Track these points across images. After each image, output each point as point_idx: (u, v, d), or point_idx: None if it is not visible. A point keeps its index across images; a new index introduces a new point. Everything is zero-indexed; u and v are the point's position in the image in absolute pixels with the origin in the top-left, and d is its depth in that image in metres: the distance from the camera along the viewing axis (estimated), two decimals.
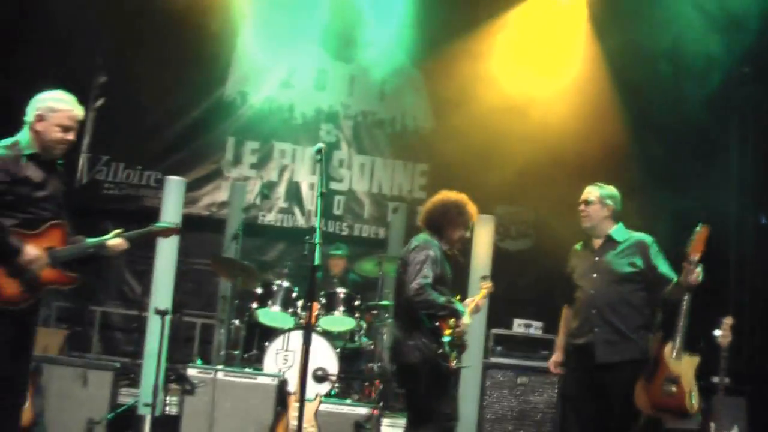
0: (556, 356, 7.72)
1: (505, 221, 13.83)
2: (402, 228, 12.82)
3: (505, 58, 12.98)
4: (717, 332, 8.81)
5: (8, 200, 5.85)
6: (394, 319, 7.52)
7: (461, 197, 7.41)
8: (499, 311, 10.63)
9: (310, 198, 13.61)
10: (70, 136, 6.18)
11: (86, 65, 13.18)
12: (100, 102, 13.26)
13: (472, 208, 7.40)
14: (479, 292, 7.76)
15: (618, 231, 7.35)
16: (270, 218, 13.62)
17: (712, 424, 9.00)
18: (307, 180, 13.70)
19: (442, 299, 7.00)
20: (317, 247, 6.15)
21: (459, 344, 7.13)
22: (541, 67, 13.08)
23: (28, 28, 12.50)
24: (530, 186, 13.04)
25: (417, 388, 7.08)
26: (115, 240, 6.45)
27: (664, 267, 7.16)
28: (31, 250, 5.86)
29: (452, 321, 7.04)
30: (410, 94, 14.00)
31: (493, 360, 10.33)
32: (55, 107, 6.12)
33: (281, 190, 13.72)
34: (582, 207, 7.36)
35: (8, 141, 6.05)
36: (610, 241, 7.32)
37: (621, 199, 7.42)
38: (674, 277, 7.02)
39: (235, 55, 13.64)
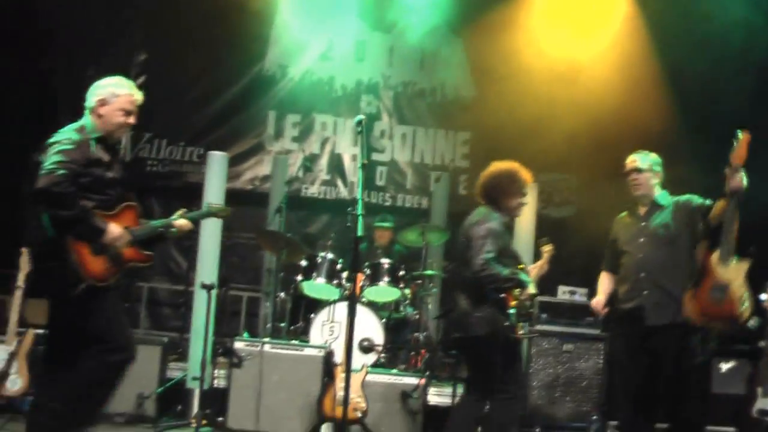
0: (599, 298, 7.71)
1: (547, 188, 13.78)
2: (445, 197, 12.81)
3: (546, 24, 12.92)
4: (763, 296, 8.77)
5: (85, 182, 5.96)
6: (460, 292, 7.44)
7: (512, 165, 7.44)
8: (543, 278, 10.59)
9: (352, 169, 13.63)
10: (132, 120, 6.36)
11: (126, 43, 13.24)
12: (140, 80, 13.25)
13: (524, 174, 7.40)
14: (542, 257, 7.80)
15: (663, 196, 7.35)
16: (313, 191, 13.66)
17: (759, 389, 8.97)
18: (348, 152, 13.73)
19: (506, 272, 7.04)
20: (359, 218, 6.16)
21: (525, 314, 7.18)
22: (582, 34, 13.01)
23: (68, 6, 12.57)
24: (572, 153, 12.97)
25: (486, 360, 7.09)
26: (181, 220, 6.68)
27: (698, 199, 7.18)
28: (115, 229, 6.04)
29: (517, 292, 7.09)
30: (450, 63, 13.96)
31: (539, 327, 10.31)
32: (117, 92, 6.28)
33: (323, 162, 13.76)
34: (634, 175, 7.32)
35: (75, 125, 6.18)
36: (655, 206, 7.32)
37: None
38: (709, 201, 7.01)
39: (273, 29, 13.65)
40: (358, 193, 6.23)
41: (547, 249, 7.77)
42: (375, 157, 13.73)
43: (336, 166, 13.76)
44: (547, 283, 10.70)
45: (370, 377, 8.82)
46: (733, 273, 6.62)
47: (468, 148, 13.91)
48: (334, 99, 13.88)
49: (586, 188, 13.42)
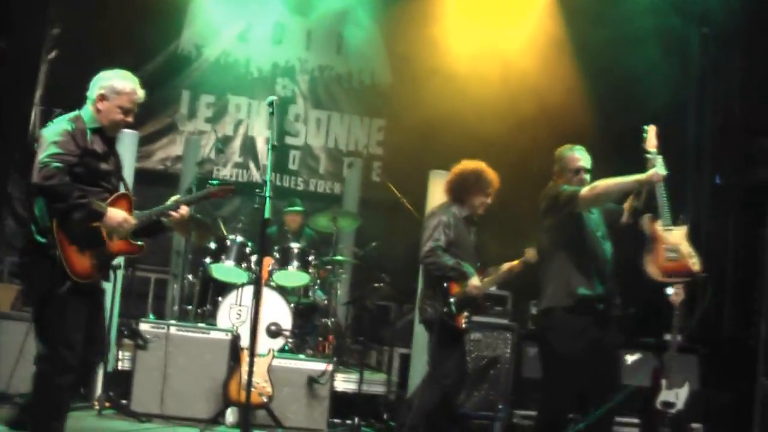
0: None
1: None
2: (357, 183, 12.81)
3: (463, 13, 12.93)
4: (669, 290, 8.90)
5: (78, 172, 5.90)
6: (422, 276, 8.12)
7: (479, 165, 7.88)
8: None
9: (265, 153, 13.51)
10: (130, 119, 6.26)
11: (38, 17, 12.98)
12: (53, 54, 13.07)
13: (490, 174, 7.83)
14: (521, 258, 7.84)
15: None
16: (225, 173, 13.54)
17: (664, 381, 9.10)
18: (262, 135, 13.61)
19: (450, 261, 7.51)
20: (267, 200, 6.11)
21: (469, 305, 7.63)
22: (500, 24, 13.04)
23: None
24: (487, 142, 13.02)
25: (431, 344, 7.70)
26: (182, 208, 6.45)
27: None
28: (117, 212, 5.99)
29: (465, 283, 7.57)
30: (367, 49, 13.92)
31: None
32: (118, 89, 6.19)
33: (236, 144, 13.64)
34: (585, 176, 7.28)
35: (71, 115, 6.15)
36: None
37: None
38: None
39: (190, 8, 13.47)
40: (267, 175, 6.18)
41: (528, 253, 7.75)
42: (289, 141, 13.66)
43: (249, 148, 13.65)
44: None
45: (277, 362, 8.83)
46: (678, 236, 6.95)
47: (382, 135, 13.91)
48: (249, 81, 13.74)
49: (500, 178, 13.47)
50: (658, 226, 6.96)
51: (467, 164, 7.94)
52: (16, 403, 8.52)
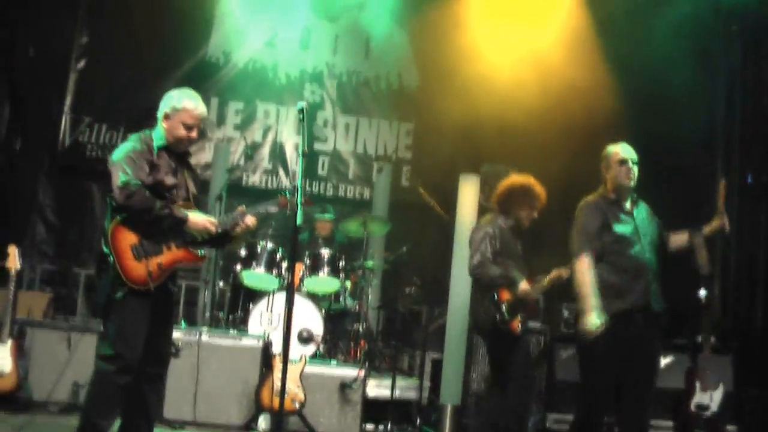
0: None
1: (490, 180, 13.76)
2: (387, 188, 12.77)
3: (490, 16, 12.89)
4: (702, 292, 8.84)
5: (147, 184, 6.29)
6: (473, 286, 8.24)
7: (527, 181, 8.07)
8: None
9: (294, 158, 13.54)
10: (194, 134, 6.64)
11: (68, 26, 13.06)
12: (82, 63, 13.14)
13: (537, 189, 8.01)
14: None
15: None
16: (254, 179, 13.55)
17: (698, 383, 9.04)
18: (291, 140, 13.62)
19: (498, 271, 7.77)
20: (299, 207, 6.15)
21: (521, 309, 7.81)
22: (527, 26, 13.00)
23: None
24: (515, 145, 13.00)
25: (487, 349, 8.17)
26: (248, 218, 6.73)
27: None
28: (199, 215, 6.48)
29: (514, 288, 7.81)
30: (395, 54, 13.91)
31: None
32: (179, 106, 6.55)
33: (265, 150, 13.65)
34: (631, 165, 7.24)
35: (141, 134, 6.58)
36: (635, 200, 7.33)
37: None
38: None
39: (217, 14, 13.52)
40: (298, 181, 6.22)
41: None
42: (317, 146, 13.67)
43: (278, 154, 13.65)
44: None
45: (309, 368, 8.80)
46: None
47: (411, 139, 13.89)
48: (277, 87, 13.76)
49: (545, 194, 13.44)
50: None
51: (516, 178, 8.17)
52: (50, 410, 8.61)
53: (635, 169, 7.20)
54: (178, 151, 6.67)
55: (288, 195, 6.97)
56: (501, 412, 7.80)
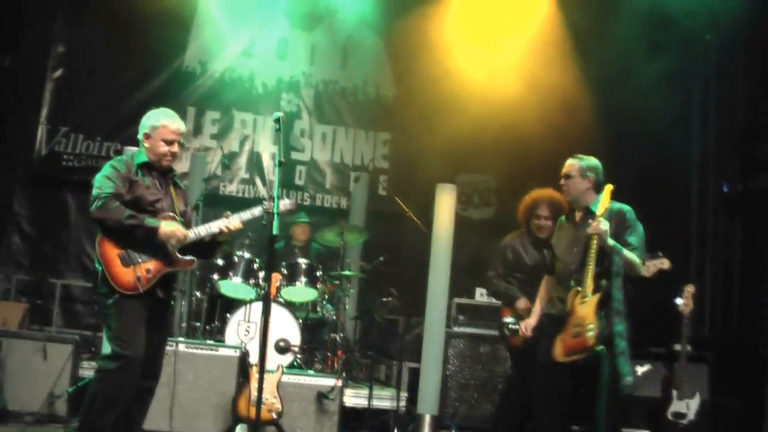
0: (532, 320, 7.74)
1: (467, 190, 13.85)
2: (364, 197, 12.77)
3: (465, 27, 12.93)
4: (679, 300, 8.88)
5: (127, 200, 6.62)
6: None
7: (530, 193, 8.52)
8: (461, 281, 10.62)
9: (271, 168, 13.50)
10: (174, 149, 6.89)
11: (45, 35, 13.01)
12: (58, 72, 13.09)
13: (538, 199, 8.41)
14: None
15: (596, 203, 7.28)
16: (231, 189, 13.52)
17: (674, 392, 9.07)
18: (268, 150, 13.59)
19: (500, 288, 8.53)
20: (275, 216, 6.22)
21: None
22: (502, 36, 13.05)
23: None
24: (492, 155, 13.06)
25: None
26: (230, 220, 6.99)
27: (630, 238, 7.14)
28: (167, 226, 6.64)
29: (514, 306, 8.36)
30: (372, 63, 13.94)
31: (456, 329, 10.32)
32: (157, 124, 6.83)
33: (242, 160, 13.61)
34: (562, 181, 7.33)
35: (125, 155, 7.15)
36: (589, 214, 7.22)
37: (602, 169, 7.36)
38: (636, 253, 7.07)
39: (194, 24, 13.48)
40: (275, 191, 6.28)
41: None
42: (295, 156, 13.65)
43: (255, 164, 13.61)
44: (464, 286, 10.78)
45: (286, 378, 8.81)
46: (588, 307, 6.84)
47: (388, 149, 13.89)
48: (254, 97, 13.73)
49: (506, 190, 13.50)
50: (575, 299, 6.97)
51: (529, 192, 8.57)
52: (25, 421, 8.56)
53: (563, 183, 7.35)
54: (161, 169, 6.90)
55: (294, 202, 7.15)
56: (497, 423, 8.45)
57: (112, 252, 6.56)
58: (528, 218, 8.46)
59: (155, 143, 6.80)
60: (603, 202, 6.96)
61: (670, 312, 9.01)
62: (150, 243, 6.58)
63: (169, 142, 6.82)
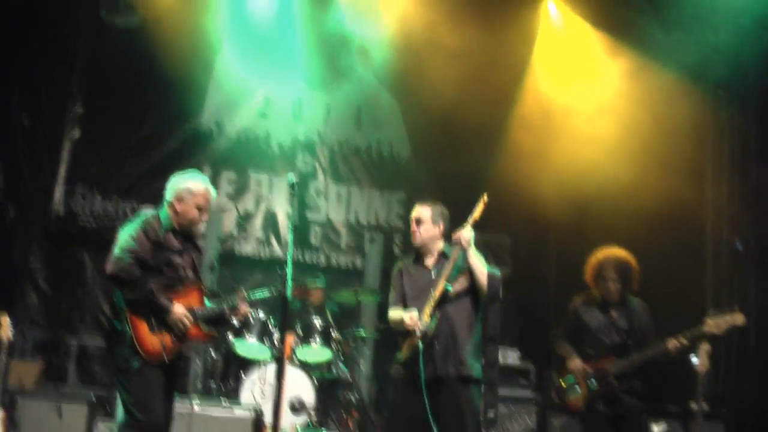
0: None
1: (481, 248, 13.83)
2: (379, 257, 12.81)
3: (479, 86, 13.00)
4: (694, 359, 8.85)
5: (151, 265, 6.62)
6: None
7: (598, 253, 8.37)
8: None
9: (287, 228, 13.50)
10: (205, 216, 7.03)
11: (62, 95, 13.13)
12: (76, 132, 13.18)
13: (598, 260, 8.29)
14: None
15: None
16: (247, 249, 13.53)
17: None
18: (284, 210, 13.58)
19: (559, 348, 8.39)
20: (289, 279, 6.27)
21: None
22: (515, 95, 13.17)
23: (4, 54, 12.46)
24: (507, 213, 13.06)
25: None
26: (243, 305, 7.13)
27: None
28: (179, 308, 6.65)
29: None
30: (386, 123, 14.02)
31: None
32: (194, 190, 6.92)
33: (258, 220, 13.64)
34: (413, 227, 7.54)
35: (149, 214, 6.88)
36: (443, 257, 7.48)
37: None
38: None
39: (211, 84, 13.60)
40: (288, 254, 6.35)
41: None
42: (310, 215, 13.69)
43: (271, 224, 13.64)
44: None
45: None
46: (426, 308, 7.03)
47: (403, 208, 13.91)
48: (270, 157, 13.78)
49: (521, 248, 13.50)
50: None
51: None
52: None
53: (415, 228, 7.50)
54: (186, 233, 6.94)
55: (305, 285, 7.22)
56: None
57: (142, 316, 6.55)
58: (595, 280, 8.32)
59: (188, 208, 6.84)
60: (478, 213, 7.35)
61: (685, 369, 8.98)
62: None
63: (202, 209, 6.91)
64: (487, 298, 7.18)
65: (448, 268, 7.00)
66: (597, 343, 8.05)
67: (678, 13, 11.55)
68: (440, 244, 7.43)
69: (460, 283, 7.10)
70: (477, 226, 13.03)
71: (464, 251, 7.07)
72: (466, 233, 7.08)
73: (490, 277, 7.06)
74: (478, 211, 7.33)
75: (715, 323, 7.55)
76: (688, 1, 11.40)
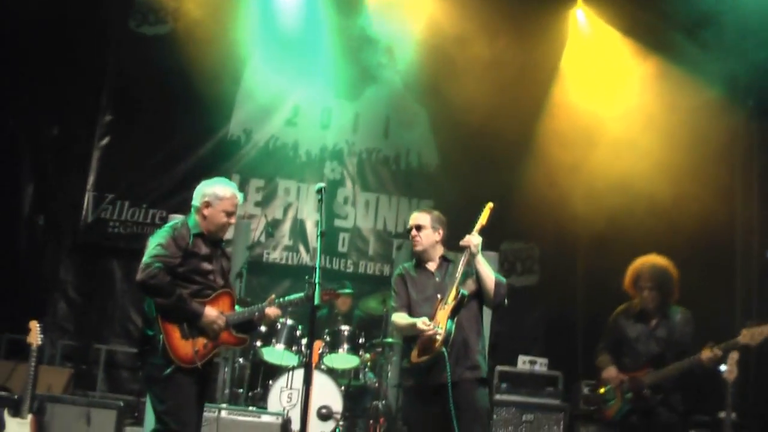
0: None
1: (510, 257, 13.83)
2: None
3: (508, 93, 12.99)
4: (723, 368, 8.79)
5: (181, 272, 6.66)
6: None
7: (635, 261, 8.17)
8: (504, 348, 10.61)
9: (314, 235, 13.56)
10: (233, 220, 7.02)
11: (91, 104, 13.21)
12: (105, 140, 13.26)
13: (637, 264, 8.15)
14: None
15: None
16: (275, 256, 13.59)
17: None
18: (311, 218, 13.67)
19: (597, 359, 8.23)
20: (317, 287, 6.28)
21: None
22: (544, 104, 13.16)
23: (35, 66, 12.55)
24: (536, 222, 13.06)
25: None
26: (271, 308, 7.11)
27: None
28: (211, 312, 6.70)
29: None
30: (414, 132, 14.03)
31: (499, 397, 10.29)
32: (221, 195, 6.92)
33: (286, 227, 13.69)
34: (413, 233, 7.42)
35: (178, 222, 6.97)
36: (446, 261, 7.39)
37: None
38: None
39: (239, 94, 13.67)
40: (316, 261, 6.36)
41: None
42: (338, 223, 13.72)
43: (298, 231, 13.69)
44: (507, 353, 10.75)
45: None
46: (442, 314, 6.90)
47: None
48: (298, 165, 13.84)
49: (549, 257, 13.49)
50: (439, 306, 6.99)
51: None
52: None
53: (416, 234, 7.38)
54: (214, 239, 6.95)
55: (333, 289, 7.21)
56: None
57: (174, 322, 6.58)
58: (632, 288, 8.15)
59: (216, 213, 6.86)
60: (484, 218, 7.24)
61: (714, 379, 8.93)
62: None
63: (230, 214, 6.92)
64: (493, 304, 7.15)
65: (458, 272, 6.98)
66: (634, 354, 7.96)
67: (713, 29, 11.51)
68: (440, 249, 7.40)
69: (468, 287, 7.07)
70: (507, 236, 13.12)
71: (472, 256, 7.03)
72: (475, 239, 7.00)
73: (497, 284, 7.03)
74: (484, 217, 7.26)
75: (750, 334, 7.49)
76: (723, 15, 11.35)
